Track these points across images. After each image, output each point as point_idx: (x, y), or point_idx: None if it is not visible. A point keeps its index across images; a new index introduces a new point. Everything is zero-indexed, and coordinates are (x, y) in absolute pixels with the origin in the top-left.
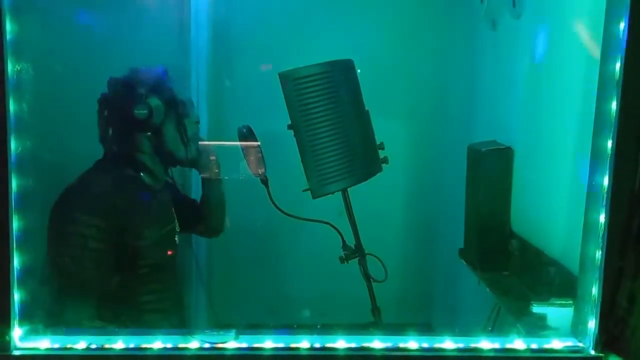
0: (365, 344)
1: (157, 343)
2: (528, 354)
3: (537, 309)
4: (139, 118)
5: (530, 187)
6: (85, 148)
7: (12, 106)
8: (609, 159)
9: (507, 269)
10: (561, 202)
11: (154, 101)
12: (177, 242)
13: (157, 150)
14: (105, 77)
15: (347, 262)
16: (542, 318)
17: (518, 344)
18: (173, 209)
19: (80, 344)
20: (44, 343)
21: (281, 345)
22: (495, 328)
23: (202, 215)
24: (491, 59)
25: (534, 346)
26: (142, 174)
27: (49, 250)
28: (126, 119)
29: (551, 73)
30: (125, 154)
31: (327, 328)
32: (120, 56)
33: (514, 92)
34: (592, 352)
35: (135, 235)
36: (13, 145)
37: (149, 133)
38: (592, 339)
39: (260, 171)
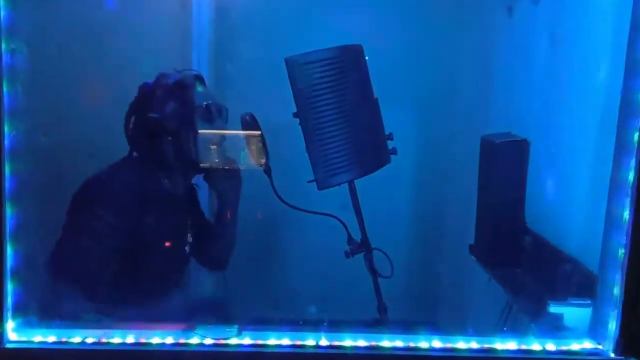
0: (374, 342)
1: (155, 338)
2: (543, 356)
3: (553, 309)
4: (154, 122)
5: (547, 181)
6: (85, 135)
7: (5, 87)
8: (635, 151)
9: (521, 266)
10: (580, 196)
11: (170, 106)
12: (187, 253)
13: (177, 156)
14: (102, 59)
15: (353, 257)
16: (558, 318)
17: (533, 345)
18: (188, 220)
19: (76, 337)
20: (38, 337)
21: (286, 342)
22: (508, 328)
23: (210, 238)
24: (507, 46)
25: (550, 348)
26: (162, 178)
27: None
28: (145, 122)
29: (571, 61)
30: (145, 156)
31: (333, 325)
32: (119, 38)
33: (531, 81)
34: (612, 355)
35: (144, 238)
36: (6, 129)
37: (168, 137)
38: (612, 341)
39: (263, 161)
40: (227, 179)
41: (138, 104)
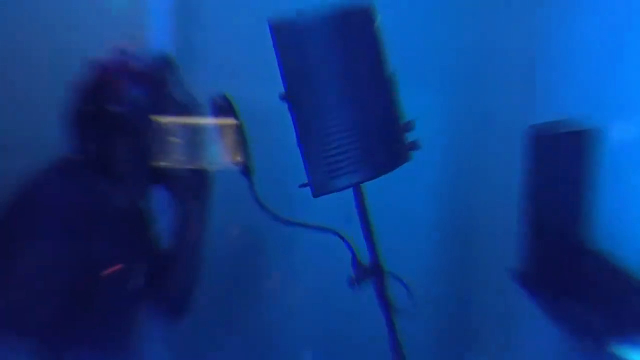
0: None
1: None
2: None
3: (622, 351)
4: (115, 115)
5: (618, 186)
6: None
7: None
8: None
9: (582, 296)
10: None
11: (138, 95)
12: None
13: (137, 161)
14: (36, 25)
15: (359, 285)
16: None
17: None
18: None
19: None
20: None
21: None
22: None
23: (163, 274)
24: (565, 4)
25: None
26: (113, 190)
27: None
28: (100, 114)
29: None
30: (96, 161)
31: None
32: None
33: (599, 50)
34: None
35: (90, 269)
36: None
37: (128, 137)
38: None
39: (240, 158)
40: (191, 184)
41: (93, 91)
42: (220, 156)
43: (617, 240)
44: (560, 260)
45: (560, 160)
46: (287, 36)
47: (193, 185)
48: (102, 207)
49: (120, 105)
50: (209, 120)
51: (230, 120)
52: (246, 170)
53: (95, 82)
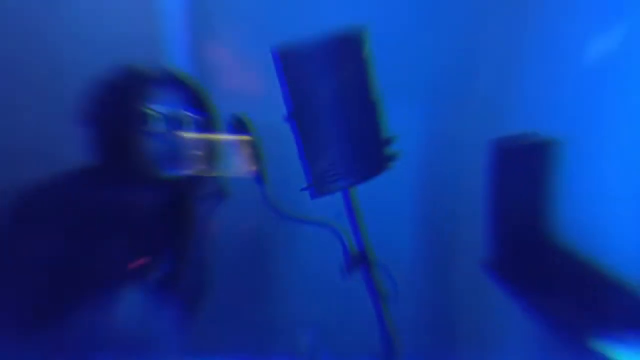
0: None
1: None
2: None
3: (598, 345)
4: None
5: (588, 186)
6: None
7: None
8: None
9: (550, 288)
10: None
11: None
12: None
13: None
14: (47, 39)
15: (350, 275)
16: (605, 357)
17: None
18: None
19: None
20: None
21: None
22: None
23: (182, 268)
24: (538, 26)
25: None
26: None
27: None
28: (129, 115)
29: (623, 43)
30: (117, 164)
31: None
32: (69, 19)
33: (567, 67)
34: None
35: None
36: None
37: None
38: None
39: (255, 168)
40: (211, 188)
41: (122, 91)
42: (238, 166)
43: (594, 237)
44: (524, 253)
45: (520, 167)
46: (292, 62)
47: (212, 189)
48: (126, 208)
49: (150, 106)
50: (228, 137)
51: (246, 136)
52: (260, 178)
53: (124, 83)
